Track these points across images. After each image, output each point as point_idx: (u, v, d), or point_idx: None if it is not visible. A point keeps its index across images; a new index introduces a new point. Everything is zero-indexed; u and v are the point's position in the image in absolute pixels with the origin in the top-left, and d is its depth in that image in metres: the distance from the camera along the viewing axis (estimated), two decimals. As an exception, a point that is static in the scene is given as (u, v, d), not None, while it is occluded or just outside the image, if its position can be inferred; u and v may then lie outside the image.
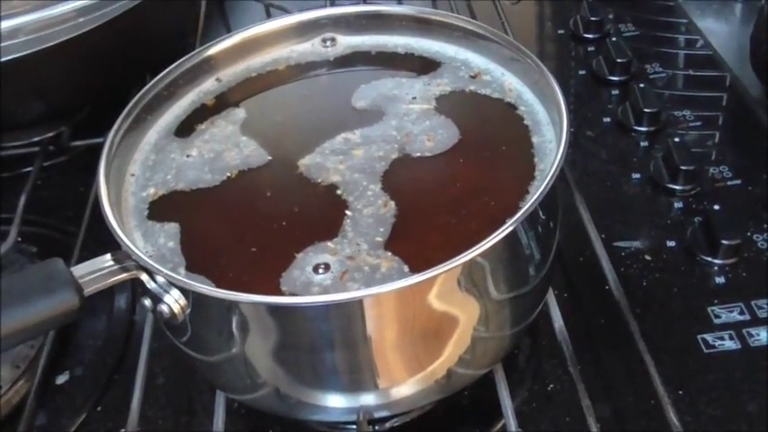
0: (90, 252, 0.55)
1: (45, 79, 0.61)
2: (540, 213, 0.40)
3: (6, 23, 0.56)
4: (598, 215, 0.56)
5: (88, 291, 0.37)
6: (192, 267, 0.40)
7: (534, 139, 0.44)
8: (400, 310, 0.37)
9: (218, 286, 0.37)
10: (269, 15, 0.84)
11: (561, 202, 0.45)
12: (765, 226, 0.55)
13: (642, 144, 0.63)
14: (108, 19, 0.58)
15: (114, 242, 0.38)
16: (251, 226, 0.42)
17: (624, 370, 0.48)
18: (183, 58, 0.50)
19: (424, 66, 0.51)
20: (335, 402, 0.41)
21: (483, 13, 0.79)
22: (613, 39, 0.73)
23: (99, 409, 0.51)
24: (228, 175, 0.45)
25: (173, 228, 0.42)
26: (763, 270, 0.52)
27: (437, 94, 0.49)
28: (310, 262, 0.39)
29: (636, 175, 0.61)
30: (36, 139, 0.68)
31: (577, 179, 0.59)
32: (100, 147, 0.44)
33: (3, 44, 0.55)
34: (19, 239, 0.59)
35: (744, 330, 0.49)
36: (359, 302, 0.36)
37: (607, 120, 0.66)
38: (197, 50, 0.51)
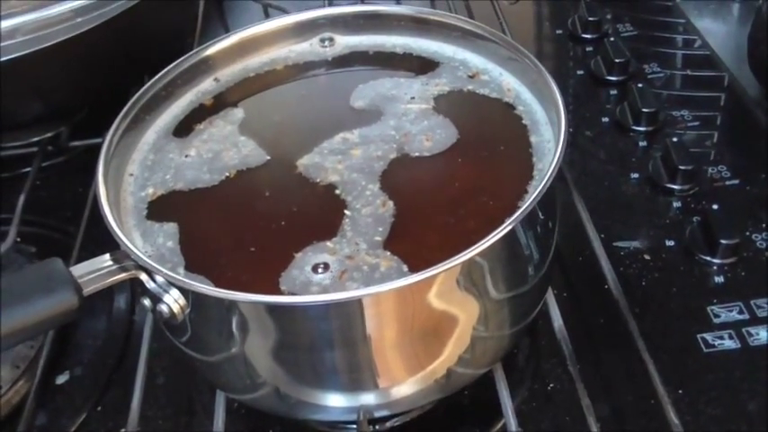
0: (89, 252, 0.55)
1: (43, 79, 0.61)
2: (539, 213, 0.40)
3: (5, 23, 0.56)
4: (597, 215, 0.56)
5: (87, 291, 0.37)
6: (192, 267, 0.40)
7: (532, 139, 0.44)
8: (399, 309, 0.37)
9: (218, 286, 0.37)
10: (267, 15, 0.84)
11: (560, 201, 0.45)
12: (764, 225, 0.55)
13: (641, 144, 0.63)
14: (106, 19, 0.58)
15: (113, 242, 0.38)
16: (250, 226, 0.42)
17: (624, 369, 0.49)
18: (182, 58, 0.50)
19: (422, 66, 0.51)
20: (335, 402, 0.41)
21: (481, 13, 0.79)
22: (611, 39, 0.73)
23: (99, 409, 0.51)
24: (227, 174, 0.45)
25: (171, 227, 0.42)
26: (762, 269, 0.52)
27: (435, 94, 0.49)
28: (309, 261, 0.39)
29: (634, 175, 0.61)
30: (35, 139, 0.68)
31: (576, 179, 0.59)
32: (98, 147, 0.44)
33: (1, 44, 0.55)
34: (18, 239, 0.59)
35: (743, 330, 0.49)
36: (358, 302, 0.36)
37: (605, 120, 0.66)
38: (195, 50, 0.51)
